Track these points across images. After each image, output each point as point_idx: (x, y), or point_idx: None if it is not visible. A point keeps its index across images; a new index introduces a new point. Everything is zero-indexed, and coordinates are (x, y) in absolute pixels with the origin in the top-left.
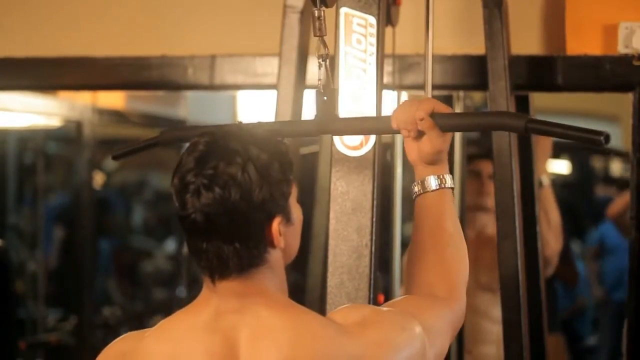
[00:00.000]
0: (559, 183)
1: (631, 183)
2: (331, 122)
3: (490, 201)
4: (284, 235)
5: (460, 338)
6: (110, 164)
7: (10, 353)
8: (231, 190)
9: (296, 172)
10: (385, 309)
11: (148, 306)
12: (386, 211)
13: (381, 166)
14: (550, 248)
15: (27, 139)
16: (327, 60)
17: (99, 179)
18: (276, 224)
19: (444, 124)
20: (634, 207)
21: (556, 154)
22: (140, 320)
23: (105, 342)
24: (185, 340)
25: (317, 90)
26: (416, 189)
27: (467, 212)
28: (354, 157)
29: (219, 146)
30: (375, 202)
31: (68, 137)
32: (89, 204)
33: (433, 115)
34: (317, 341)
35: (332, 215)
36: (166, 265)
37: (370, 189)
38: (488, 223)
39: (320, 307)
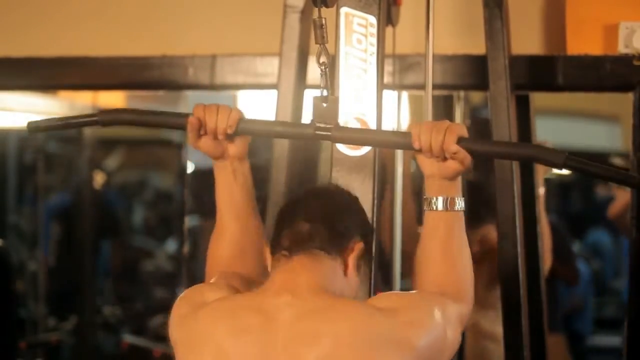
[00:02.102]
0: (559, 184)
1: (632, 163)
2: (337, 130)
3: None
4: (352, 267)
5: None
6: (110, 164)
7: (10, 353)
8: (334, 195)
9: (296, 170)
10: (413, 292)
11: (148, 306)
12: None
13: (381, 165)
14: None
15: (27, 138)
16: (328, 68)
17: (99, 178)
18: (358, 246)
19: (476, 150)
20: (634, 207)
21: None
22: (140, 319)
23: (106, 342)
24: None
25: (314, 98)
26: (425, 205)
27: None
28: (354, 157)
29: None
30: (375, 202)
31: (69, 137)
32: (89, 203)
33: (464, 140)
34: (355, 319)
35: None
36: (167, 265)
37: (371, 188)
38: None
39: None
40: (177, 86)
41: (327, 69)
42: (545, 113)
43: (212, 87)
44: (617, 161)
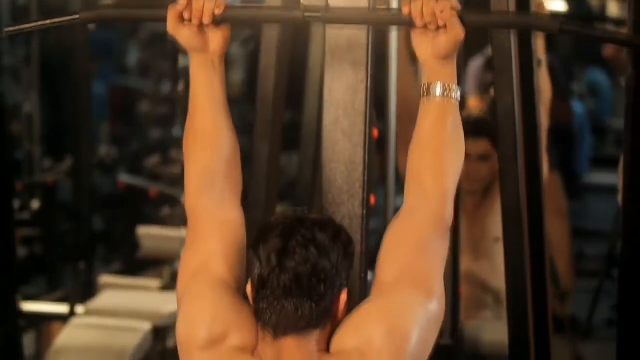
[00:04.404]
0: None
1: (629, 22)
2: (324, 11)
3: (480, 185)
4: (342, 312)
5: (455, 308)
6: (106, 1)
7: (7, 194)
8: (321, 251)
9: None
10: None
11: (144, 146)
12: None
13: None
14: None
15: None
16: None
17: None
18: (344, 294)
19: (471, 20)
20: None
21: None
22: (136, 160)
23: (102, 182)
24: None
25: None
26: (422, 93)
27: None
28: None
29: (297, 224)
30: (370, 39)
31: None
32: (84, 44)
33: (457, 9)
34: None
35: (327, 51)
36: (162, 106)
37: (366, 25)
38: (479, 204)
39: (316, 142)
40: None
41: None
42: None
43: None
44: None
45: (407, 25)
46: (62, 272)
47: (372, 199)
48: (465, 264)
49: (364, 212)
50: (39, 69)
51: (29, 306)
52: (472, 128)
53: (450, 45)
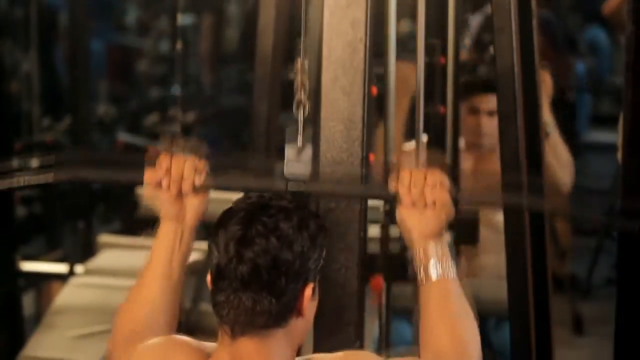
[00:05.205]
0: None
1: None
2: (310, 184)
3: (487, 140)
4: (307, 308)
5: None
6: None
7: (5, 154)
8: (283, 242)
9: None
10: None
11: (143, 105)
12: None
13: None
14: (564, 185)
15: None
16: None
17: None
18: (309, 290)
19: (461, 198)
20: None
21: None
22: (135, 118)
23: (101, 141)
24: None
25: (287, 147)
26: (417, 274)
27: (462, 152)
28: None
29: (259, 211)
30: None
31: None
32: (82, 2)
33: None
34: None
35: (326, 9)
36: (161, 64)
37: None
38: (483, 158)
39: (315, 99)
40: None
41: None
42: None
43: None
44: None
45: (393, 201)
46: (62, 231)
47: (372, 158)
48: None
49: (364, 171)
50: (37, 27)
51: (29, 266)
52: (481, 84)
53: (440, 223)
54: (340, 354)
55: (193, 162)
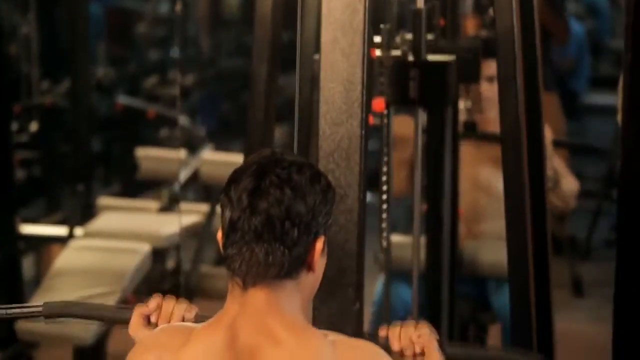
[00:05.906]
0: None
1: None
2: None
3: (487, 105)
4: (317, 263)
5: (453, 229)
6: None
7: (5, 117)
8: (297, 193)
9: None
10: None
11: (142, 67)
12: None
13: None
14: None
15: None
16: None
17: None
18: (320, 243)
19: (449, 349)
20: None
21: None
22: (134, 81)
23: (100, 104)
24: None
25: None
26: None
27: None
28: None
29: (272, 164)
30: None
31: None
32: None
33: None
34: None
35: None
36: (160, 27)
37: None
38: (484, 122)
39: (312, 67)
40: None
41: None
42: None
43: None
44: None
45: (382, 348)
46: (61, 194)
47: (371, 119)
48: (467, 170)
49: (363, 132)
50: None
51: (28, 229)
52: (482, 48)
53: None
54: (358, 342)
55: (184, 303)
